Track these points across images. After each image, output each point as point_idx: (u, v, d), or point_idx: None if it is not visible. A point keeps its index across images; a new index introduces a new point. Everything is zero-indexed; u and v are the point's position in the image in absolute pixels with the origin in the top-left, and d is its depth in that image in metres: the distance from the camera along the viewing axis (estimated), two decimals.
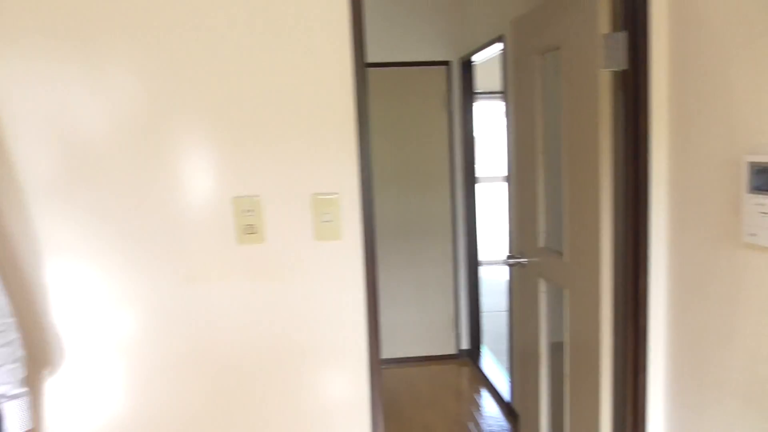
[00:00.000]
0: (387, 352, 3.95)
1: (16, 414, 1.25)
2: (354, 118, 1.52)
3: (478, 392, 3.53)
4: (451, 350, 4.01)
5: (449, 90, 3.76)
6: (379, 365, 1.63)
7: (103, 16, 1.43)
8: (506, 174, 2.93)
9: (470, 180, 3.87)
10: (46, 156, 1.45)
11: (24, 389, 1.27)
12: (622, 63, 1.57)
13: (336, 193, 1.54)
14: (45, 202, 1.46)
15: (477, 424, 3.12)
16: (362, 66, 1.51)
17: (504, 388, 3.34)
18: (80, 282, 1.50)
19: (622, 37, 1.56)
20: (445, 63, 3.73)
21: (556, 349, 2.13)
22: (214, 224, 1.52)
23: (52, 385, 1.53)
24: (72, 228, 1.48)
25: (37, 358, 1.51)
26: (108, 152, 1.47)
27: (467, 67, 3.71)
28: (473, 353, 3.99)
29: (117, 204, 1.49)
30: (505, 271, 2.63)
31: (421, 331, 3.99)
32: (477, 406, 3.36)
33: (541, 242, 2.15)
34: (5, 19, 1.40)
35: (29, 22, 1.41)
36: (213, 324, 1.55)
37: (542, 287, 2.15)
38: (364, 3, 1.51)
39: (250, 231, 1.52)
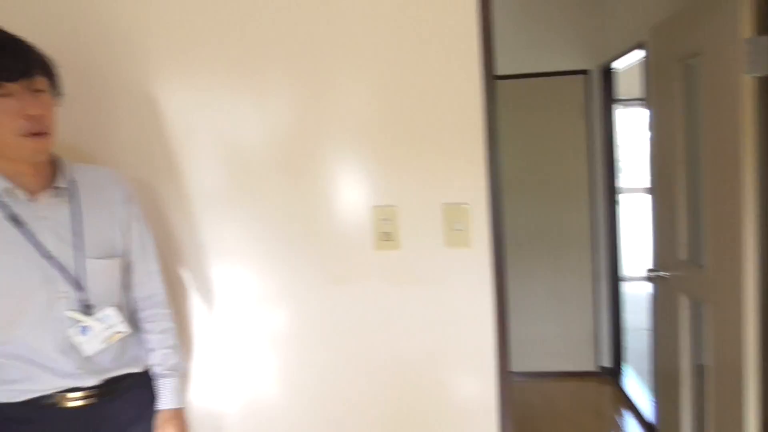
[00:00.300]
0: (523, 365, 3.93)
1: (167, 392, 1.48)
2: (483, 131, 1.61)
3: (620, 413, 3.40)
4: (591, 367, 3.89)
5: (588, 99, 3.69)
6: (507, 374, 1.68)
7: (266, 54, 1.66)
8: (649, 184, 2.83)
9: (611, 191, 3.75)
10: (214, 171, 1.71)
11: (175, 372, 1.49)
12: (766, 68, 1.50)
13: (466, 203, 1.63)
14: (212, 212, 1.71)
15: None
16: (491, 79, 1.60)
17: (648, 411, 3.19)
18: (241, 281, 1.74)
19: (765, 41, 1.49)
20: (583, 72, 3.67)
21: (701, 370, 2.04)
22: (355, 232, 1.68)
23: (210, 370, 1.78)
24: (235, 234, 1.72)
25: (194, 345, 1.77)
26: (266, 168, 1.69)
27: (607, 74, 3.62)
28: (614, 371, 3.84)
29: (273, 213, 1.70)
30: (649, 286, 2.53)
31: (559, 345, 3.92)
32: (618, 427, 3.24)
33: (683, 254, 2.06)
34: (191, 57, 1.68)
35: (207, 58, 1.67)
36: (353, 322, 1.71)
37: (684, 303, 2.07)
38: (493, 19, 1.60)
39: (386, 238, 1.66)
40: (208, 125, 1.70)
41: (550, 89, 3.74)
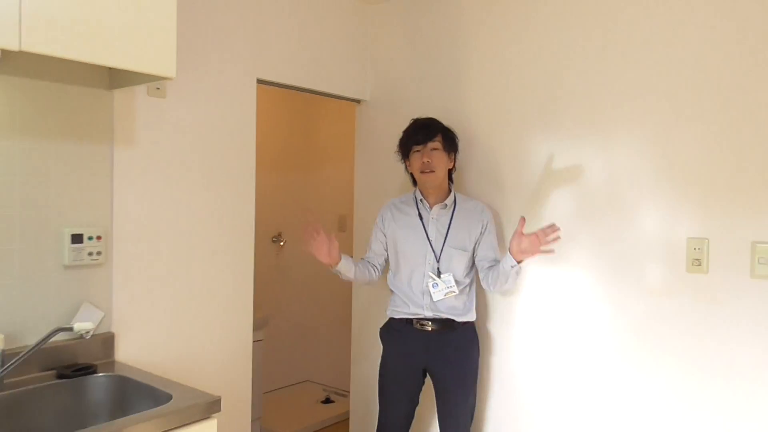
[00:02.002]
0: None
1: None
2: None
3: None
4: None
5: None
6: None
7: (610, 114, 2.27)
8: None
9: None
10: (567, 202, 2.37)
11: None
12: None
13: None
14: (562, 232, 2.38)
15: None
16: None
17: None
18: (575, 283, 2.36)
19: None
20: None
21: None
22: (669, 256, 2.14)
23: (532, 348, 2.43)
24: (576, 249, 2.35)
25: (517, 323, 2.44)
26: (604, 199, 2.28)
27: None
28: None
29: (606, 236, 2.28)
30: None
31: None
32: None
33: None
34: (552, 120, 2.40)
35: (565, 121, 2.37)
36: (664, 329, 2.15)
37: None
38: None
39: (696, 264, 2.07)
40: (563, 168, 2.39)
41: None
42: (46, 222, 1.87)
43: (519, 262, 2.24)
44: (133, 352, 2.10)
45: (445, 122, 2.50)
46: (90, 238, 1.96)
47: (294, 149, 4.46)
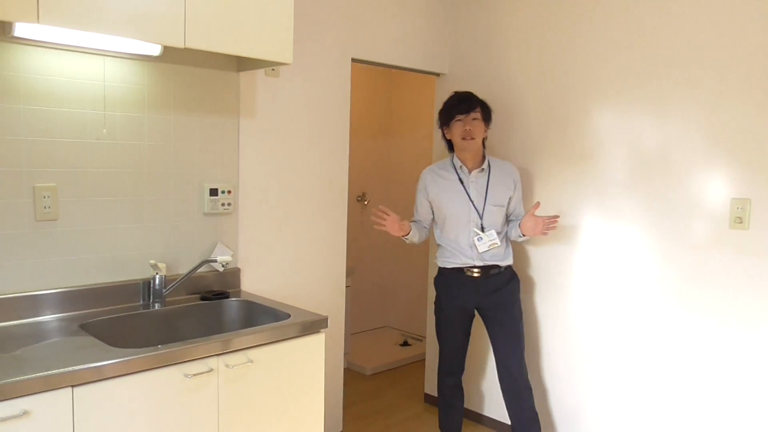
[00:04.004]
0: None
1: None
2: None
3: None
4: None
5: None
6: None
7: (667, 91, 2.52)
8: None
9: None
10: (621, 164, 2.66)
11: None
12: None
13: None
14: (614, 194, 2.67)
15: None
16: None
17: None
18: (626, 237, 2.66)
19: None
20: None
21: None
22: (714, 214, 2.41)
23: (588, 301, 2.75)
24: (630, 206, 2.65)
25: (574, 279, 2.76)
26: (656, 162, 2.56)
27: None
28: None
29: (658, 197, 2.56)
30: None
31: None
32: None
33: None
34: (611, 88, 2.68)
35: (622, 88, 2.64)
36: (707, 280, 2.43)
37: None
38: None
39: (738, 221, 2.33)
40: (621, 134, 2.67)
41: None
42: (190, 178, 2.38)
43: (524, 235, 2.71)
44: (255, 284, 2.61)
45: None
46: (223, 192, 2.46)
47: (377, 118, 4.87)
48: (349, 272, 3.83)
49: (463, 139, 2.65)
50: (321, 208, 2.87)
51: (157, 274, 2.22)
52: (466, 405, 3.07)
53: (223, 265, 2.39)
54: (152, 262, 2.24)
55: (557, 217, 2.65)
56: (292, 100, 2.69)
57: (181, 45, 1.91)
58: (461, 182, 2.71)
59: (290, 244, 2.76)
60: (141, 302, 2.24)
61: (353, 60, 2.93)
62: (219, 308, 2.37)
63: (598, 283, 2.80)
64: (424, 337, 3.68)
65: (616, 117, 2.69)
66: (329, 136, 2.87)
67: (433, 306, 2.93)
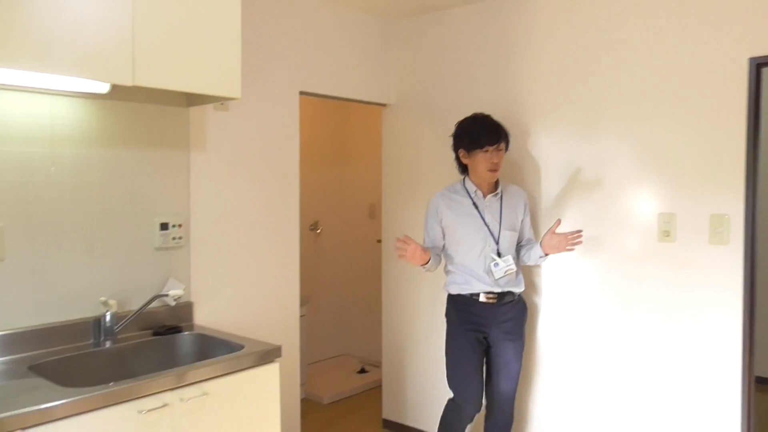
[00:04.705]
0: None
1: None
2: (744, 166, 2.31)
3: None
4: None
5: None
6: (752, 354, 2.30)
7: (598, 115, 2.70)
8: None
9: None
10: (560, 184, 2.81)
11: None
12: None
13: (726, 214, 2.35)
14: (556, 210, 2.81)
15: None
16: (753, 136, 2.29)
17: None
18: (570, 254, 2.79)
19: None
20: None
21: None
22: (644, 228, 2.57)
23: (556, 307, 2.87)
24: (571, 222, 2.78)
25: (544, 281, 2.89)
26: (592, 181, 2.72)
27: None
28: None
29: (594, 210, 2.72)
30: None
31: None
32: None
33: None
34: (552, 115, 2.84)
35: (562, 116, 2.80)
36: (641, 287, 2.58)
37: None
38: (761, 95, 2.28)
39: (666, 235, 2.50)
40: (560, 156, 2.82)
41: None
42: (141, 213, 2.39)
43: (546, 254, 2.64)
44: (208, 317, 2.61)
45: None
46: (174, 226, 2.48)
47: (329, 147, 4.95)
48: (304, 301, 3.85)
49: (490, 170, 2.59)
50: (273, 238, 2.90)
51: (108, 311, 2.20)
52: (423, 427, 3.11)
53: (175, 300, 2.40)
54: (103, 299, 2.23)
55: (581, 231, 2.54)
56: (242, 133, 2.74)
57: (129, 83, 1.95)
58: (476, 207, 2.65)
59: (243, 275, 2.77)
60: (92, 340, 2.22)
61: (301, 93, 3.01)
62: (172, 343, 2.37)
63: (546, 293, 2.92)
64: (381, 364, 3.71)
65: (555, 141, 2.84)
66: (279, 168, 2.92)
67: (388, 332, 2.96)
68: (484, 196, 2.66)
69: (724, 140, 2.37)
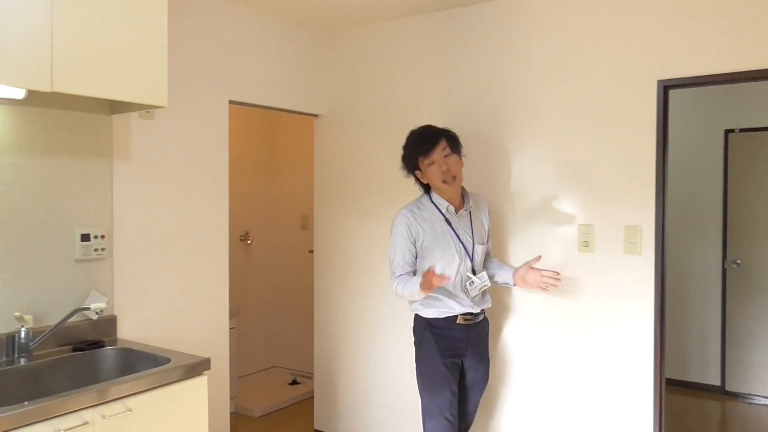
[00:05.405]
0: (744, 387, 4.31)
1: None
2: (654, 180, 2.47)
3: None
4: None
5: None
6: (663, 357, 2.46)
7: (521, 133, 2.81)
8: None
9: None
10: (489, 198, 2.91)
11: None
12: None
13: (639, 226, 2.50)
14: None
15: None
16: (662, 153, 2.45)
17: None
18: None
19: None
20: None
21: None
22: (565, 239, 2.69)
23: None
24: (498, 239, 2.88)
25: None
26: (517, 194, 2.82)
27: None
28: None
29: (516, 225, 2.82)
30: None
31: None
32: None
33: None
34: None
35: (496, 135, 2.90)
36: (565, 293, 2.70)
37: None
38: (668, 110, 2.45)
39: (585, 245, 2.63)
40: (480, 173, 2.92)
41: None
42: (60, 224, 2.29)
43: (515, 285, 2.55)
44: (132, 331, 2.53)
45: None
46: (96, 237, 2.39)
47: (260, 156, 4.90)
48: (234, 313, 3.78)
49: (444, 182, 2.40)
50: (202, 249, 2.85)
51: (22, 326, 2.10)
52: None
53: (97, 313, 2.31)
54: (17, 314, 2.12)
55: (558, 274, 2.47)
56: (169, 142, 2.68)
57: (48, 89, 1.87)
58: (449, 224, 2.46)
59: (170, 287, 2.70)
60: (5, 358, 2.10)
61: (231, 102, 2.98)
62: (94, 358, 2.28)
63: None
64: (313, 375, 3.70)
65: (480, 157, 2.92)
66: (208, 177, 2.87)
67: (319, 343, 2.92)
68: (457, 211, 2.49)
69: (636, 156, 2.52)
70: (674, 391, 4.40)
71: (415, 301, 2.48)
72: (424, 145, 2.41)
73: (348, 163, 3.41)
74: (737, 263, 4.44)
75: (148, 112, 2.55)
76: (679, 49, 2.44)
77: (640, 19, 2.52)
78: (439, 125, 2.56)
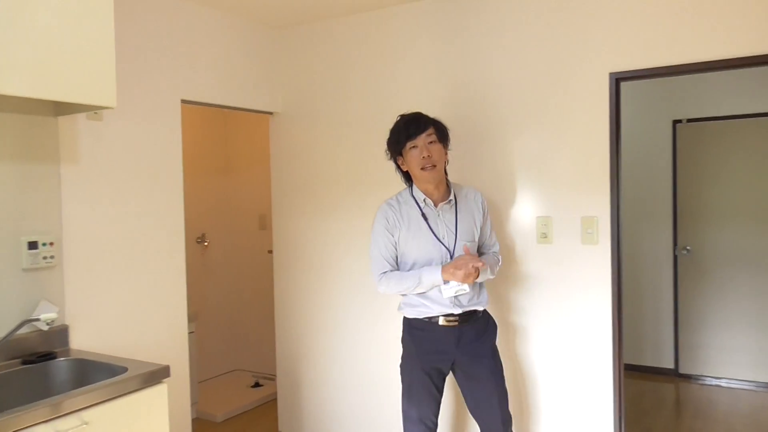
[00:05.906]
0: (724, 372, 4.41)
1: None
2: (608, 171, 2.52)
3: None
4: None
5: None
6: (620, 343, 2.52)
7: (481, 127, 2.82)
8: None
9: None
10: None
11: (492, 258, 2.41)
12: None
13: (595, 216, 2.55)
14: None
15: None
16: (615, 145, 2.51)
17: None
18: None
19: None
20: None
21: None
22: (525, 231, 2.73)
23: None
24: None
25: None
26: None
27: None
28: None
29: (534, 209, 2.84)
30: None
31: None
32: None
33: None
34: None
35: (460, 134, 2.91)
36: (523, 287, 2.74)
37: None
38: (620, 110, 2.51)
39: (543, 236, 2.67)
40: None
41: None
42: (5, 231, 2.18)
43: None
44: (85, 341, 2.43)
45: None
46: (44, 244, 2.29)
47: (214, 157, 4.80)
48: (193, 317, 3.70)
49: (423, 169, 2.27)
50: (157, 253, 2.76)
51: None
52: None
53: (47, 324, 2.21)
54: None
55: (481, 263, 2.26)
56: (119, 144, 2.59)
57: None
58: (425, 219, 2.33)
59: (125, 293, 2.62)
60: None
61: (183, 101, 2.90)
62: (45, 371, 2.19)
63: None
64: (275, 376, 3.65)
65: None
66: (161, 179, 2.79)
67: (281, 345, 2.87)
68: (436, 205, 2.34)
69: (590, 148, 2.57)
70: (631, 375, 4.52)
71: (402, 304, 2.39)
72: (412, 127, 2.30)
73: (305, 160, 3.37)
74: (687, 249, 4.58)
75: (95, 113, 2.45)
76: (630, 42, 2.49)
77: (593, 13, 2.56)
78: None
